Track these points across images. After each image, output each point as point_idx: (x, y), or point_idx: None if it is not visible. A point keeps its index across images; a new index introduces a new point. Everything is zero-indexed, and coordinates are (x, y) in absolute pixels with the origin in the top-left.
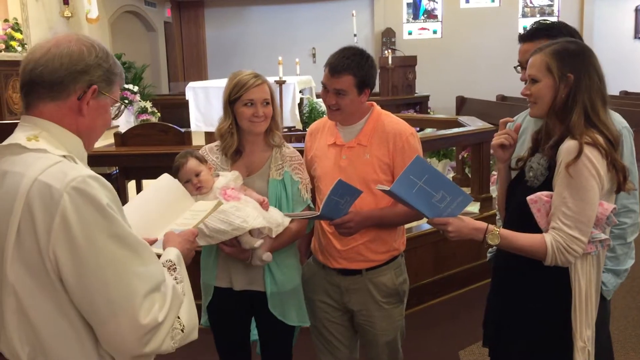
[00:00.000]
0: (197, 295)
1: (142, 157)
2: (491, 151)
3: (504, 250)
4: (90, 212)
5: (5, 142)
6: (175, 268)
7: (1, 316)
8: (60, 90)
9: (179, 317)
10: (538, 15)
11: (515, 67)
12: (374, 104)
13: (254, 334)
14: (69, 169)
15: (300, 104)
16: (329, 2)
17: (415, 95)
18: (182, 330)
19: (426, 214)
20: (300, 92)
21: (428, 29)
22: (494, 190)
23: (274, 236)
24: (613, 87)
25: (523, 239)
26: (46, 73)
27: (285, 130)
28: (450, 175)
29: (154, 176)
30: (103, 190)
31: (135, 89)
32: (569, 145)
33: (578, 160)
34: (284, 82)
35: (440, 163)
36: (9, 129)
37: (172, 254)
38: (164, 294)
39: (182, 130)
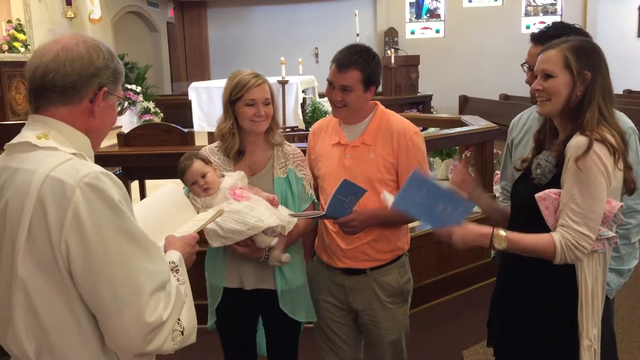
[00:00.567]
0: (196, 295)
1: (145, 158)
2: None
3: (504, 253)
4: (102, 207)
5: (14, 141)
6: (178, 270)
7: (10, 311)
8: (72, 95)
9: (179, 320)
10: (541, 14)
11: (522, 65)
12: (378, 103)
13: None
14: (81, 166)
15: (302, 104)
16: (331, 2)
17: (418, 94)
18: (182, 333)
19: (430, 225)
20: (303, 92)
21: (431, 28)
22: (497, 190)
23: (286, 233)
24: (616, 86)
25: (530, 240)
26: (58, 78)
27: (288, 130)
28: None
29: (157, 176)
30: (114, 187)
31: (138, 89)
32: (577, 141)
33: (587, 156)
34: (286, 82)
35: (443, 162)
36: (13, 130)
37: (174, 256)
38: (169, 293)
39: (185, 130)
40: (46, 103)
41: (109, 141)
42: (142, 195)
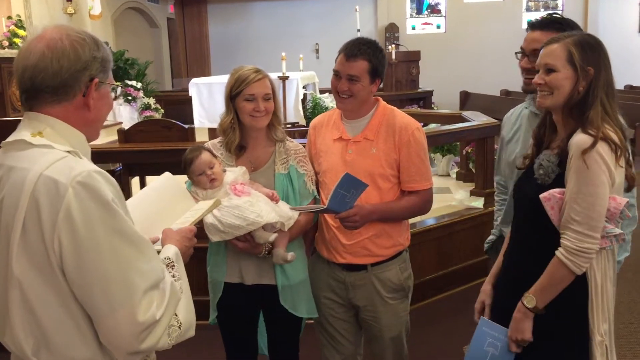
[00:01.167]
0: (198, 290)
1: (146, 154)
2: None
3: (513, 248)
4: (94, 206)
5: (9, 139)
6: (174, 265)
7: (6, 309)
8: (65, 93)
9: (176, 315)
10: (542, 10)
11: (516, 54)
12: (380, 99)
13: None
14: (75, 164)
15: (303, 100)
16: None
17: (419, 90)
18: (179, 328)
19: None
20: (303, 87)
21: (432, 24)
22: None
23: (286, 230)
24: (617, 82)
25: (547, 276)
26: (47, 79)
27: (289, 126)
28: (455, 170)
29: (158, 172)
30: (108, 186)
31: (139, 85)
32: (579, 139)
33: (589, 154)
34: (287, 77)
35: (444, 158)
36: (14, 126)
37: (171, 251)
38: (163, 291)
39: (186, 126)
40: (39, 103)
41: (110, 137)
42: None
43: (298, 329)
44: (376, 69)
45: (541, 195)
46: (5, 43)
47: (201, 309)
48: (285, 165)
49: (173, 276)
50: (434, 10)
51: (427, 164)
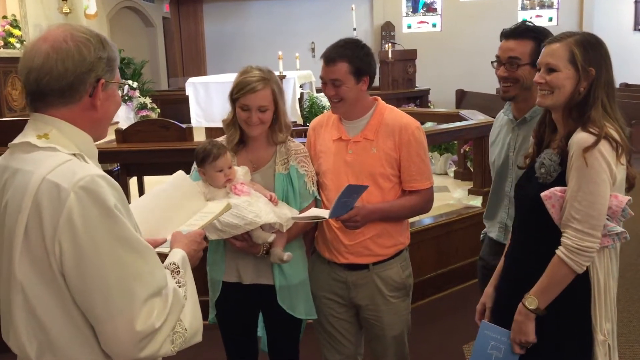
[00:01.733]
0: (198, 290)
1: (144, 154)
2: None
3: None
4: (96, 212)
5: (16, 140)
6: (179, 271)
7: (10, 312)
8: (71, 95)
9: (181, 321)
10: (537, 8)
11: (492, 63)
12: (378, 98)
13: (259, 329)
14: (78, 168)
15: (300, 99)
16: None
17: (416, 89)
18: (184, 334)
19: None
20: (300, 86)
21: (427, 23)
22: None
23: (284, 231)
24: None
25: (547, 276)
26: (53, 81)
27: None
28: (452, 169)
29: (156, 173)
30: (111, 190)
31: (135, 84)
32: (580, 137)
33: (590, 153)
34: (284, 77)
35: (442, 157)
36: (9, 126)
37: (178, 256)
38: (166, 298)
39: (184, 126)
40: (45, 105)
41: (107, 137)
42: (141, 191)
43: (298, 330)
44: (359, 68)
45: (542, 194)
46: (0, 43)
47: (201, 309)
48: (286, 165)
49: (178, 282)
50: (429, 8)
51: (428, 163)
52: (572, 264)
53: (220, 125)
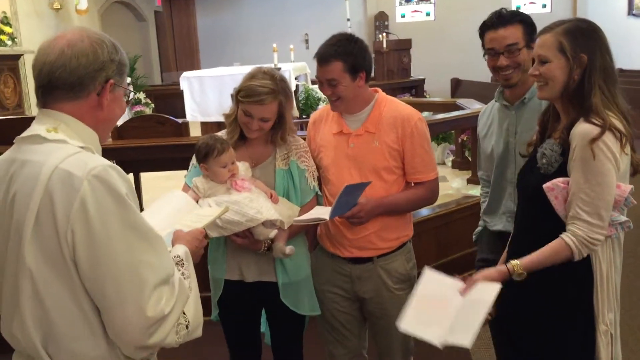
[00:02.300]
0: (202, 288)
1: (140, 150)
2: None
3: (516, 237)
4: (109, 200)
5: (24, 134)
6: (183, 264)
7: (17, 300)
8: (80, 90)
9: (184, 313)
10: None
11: (484, 56)
12: (379, 90)
13: (262, 325)
14: (89, 159)
15: (295, 91)
16: None
17: (411, 78)
18: (186, 327)
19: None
20: (295, 79)
21: (421, 12)
22: None
23: (286, 227)
24: None
25: (544, 254)
26: (65, 75)
27: None
28: (450, 158)
29: (152, 169)
30: (121, 180)
31: (128, 80)
32: (583, 128)
33: (595, 144)
34: (279, 69)
35: (439, 147)
36: (3, 125)
37: (180, 250)
38: (173, 287)
39: (180, 121)
40: (54, 99)
41: None
42: (137, 187)
43: (301, 326)
44: (353, 65)
45: (544, 186)
46: None
47: (203, 305)
48: (286, 160)
49: (182, 274)
50: None
51: (432, 154)
52: (577, 253)
53: (215, 119)
